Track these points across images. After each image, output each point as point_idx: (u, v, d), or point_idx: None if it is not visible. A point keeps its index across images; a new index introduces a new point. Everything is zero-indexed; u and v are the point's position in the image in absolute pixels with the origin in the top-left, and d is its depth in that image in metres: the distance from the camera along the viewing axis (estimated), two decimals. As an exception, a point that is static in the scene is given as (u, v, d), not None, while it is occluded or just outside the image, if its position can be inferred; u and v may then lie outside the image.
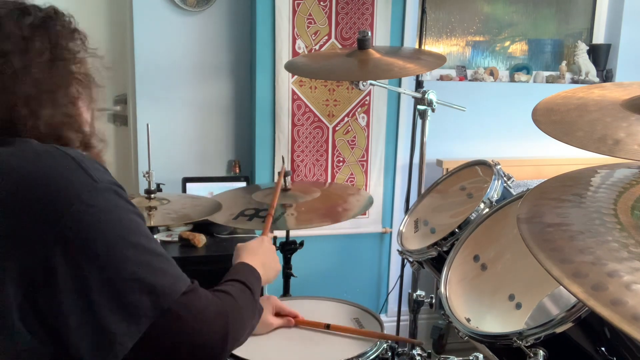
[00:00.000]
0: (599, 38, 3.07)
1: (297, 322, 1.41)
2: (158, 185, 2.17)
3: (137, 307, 0.76)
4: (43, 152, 0.79)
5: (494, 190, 1.44)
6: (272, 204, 1.51)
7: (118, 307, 0.75)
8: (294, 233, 1.91)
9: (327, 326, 1.39)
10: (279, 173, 1.77)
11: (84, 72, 0.89)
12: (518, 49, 3.06)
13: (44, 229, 0.73)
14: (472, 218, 1.41)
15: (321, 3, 2.44)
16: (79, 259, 0.73)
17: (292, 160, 2.54)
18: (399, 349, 1.38)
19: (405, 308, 2.20)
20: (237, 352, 1.24)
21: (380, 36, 2.54)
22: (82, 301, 0.74)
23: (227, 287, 0.95)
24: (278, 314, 1.41)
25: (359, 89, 1.84)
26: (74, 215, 0.74)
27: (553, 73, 3.00)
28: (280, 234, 1.87)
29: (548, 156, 2.85)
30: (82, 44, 0.90)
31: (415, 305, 1.82)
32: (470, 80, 2.88)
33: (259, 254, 1.15)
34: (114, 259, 0.76)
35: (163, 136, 2.49)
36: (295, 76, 2.45)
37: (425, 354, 1.41)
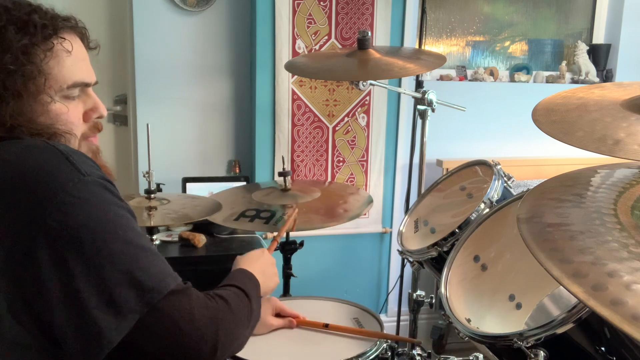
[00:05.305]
0: (599, 38, 3.07)
1: (299, 323, 1.41)
2: (158, 185, 2.17)
3: (123, 302, 0.75)
4: (32, 146, 0.79)
5: (494, 191, 1.44)
6: (279, 233, 1.45)
7: (104, 300, 0.74)
8: (294, 233, 1.91)
9: (326, 325, 1.38)
10: (287, 216, 1.60)
11: (29, 62, 0.81)
12: (518, 49, 3.06)
13: (28, 219, 0.73)
14: (472, 218, 1.41)
15: (321, 3, 2.44)
16: (63, 249, 0.73)
17: (292, 160, 2.54)
18: (399, 349, 1.38)
19: (405, 308, 2.20)
20: (237, 352, 1.23)
21: (380, 36, 2.54)
22: (67, 293, 0.73)
23: (223, 291, 0.92)
24: (279, 315, 1.41)
25: (359, 89, 1.84)
26: (58, 207, 0.73)
27: (553, 73, 3.00)
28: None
29: (548, 156, 2.85)
30: (26, 34, 0.81)
31: (415, 305, 1.82)
32: (470, 80, 2.88)
33: (259, 263, 1.14)
34: (100, 251, 0.75)
35: (163, 136, 2.49)
36: (295, 76, 2.45)
37: (425, 354, 1.41)
